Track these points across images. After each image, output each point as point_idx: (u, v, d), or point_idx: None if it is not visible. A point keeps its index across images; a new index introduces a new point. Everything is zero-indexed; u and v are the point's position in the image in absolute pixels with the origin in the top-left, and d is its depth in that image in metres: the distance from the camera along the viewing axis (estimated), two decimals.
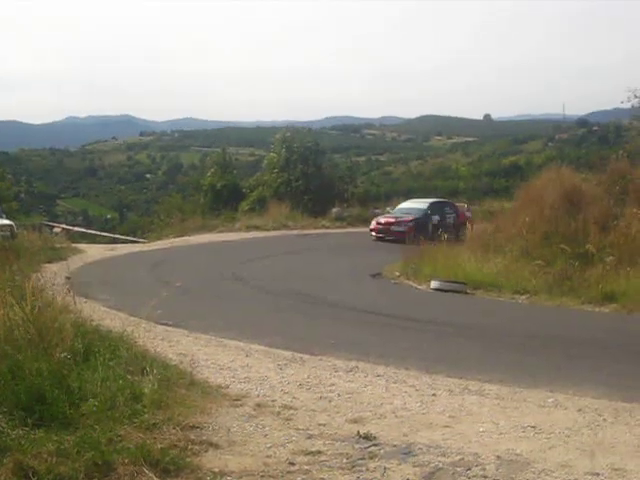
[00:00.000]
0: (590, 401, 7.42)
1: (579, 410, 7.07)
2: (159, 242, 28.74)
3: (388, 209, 30.59)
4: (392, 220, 27.50)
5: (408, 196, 39.35)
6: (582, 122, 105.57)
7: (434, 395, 7.54)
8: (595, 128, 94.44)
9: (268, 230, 31.00)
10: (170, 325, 10.83)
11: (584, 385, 8.00)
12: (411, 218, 27.17)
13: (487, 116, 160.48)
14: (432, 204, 28.75)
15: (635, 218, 16.10)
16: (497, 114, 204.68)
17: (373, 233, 27.51)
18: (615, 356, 9.91)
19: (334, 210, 34.45)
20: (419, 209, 28.22)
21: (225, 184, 38.62)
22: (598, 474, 5.40)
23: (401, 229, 26.38)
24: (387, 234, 26.73)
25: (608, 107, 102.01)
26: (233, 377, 7.98)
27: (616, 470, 5.48)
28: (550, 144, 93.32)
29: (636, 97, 21.58)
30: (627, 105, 21.83)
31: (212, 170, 40.35)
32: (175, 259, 22.01)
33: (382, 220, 27.92)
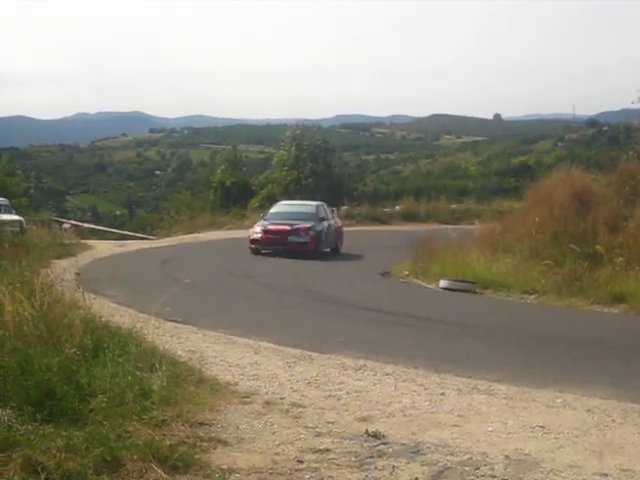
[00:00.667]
0: (599, 402, 7.39)
1: (588, 410, 7.05)
2: (168, 239, 28.87)
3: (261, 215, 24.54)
4: (287, 228, 21.89)
5: (416, 195, 39.30)
6: (592, 122, 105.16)
7: (443, 394, 7.52)
8: (605, 128, 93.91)
9: None
10: (179, 322, 10.83)
11: (592, 385, 7.97)
12: (309, 225, 22.07)
13: (497, 116, 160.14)
14: (319, 207, 23.80)
15: None
16: (506, 114, 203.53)
17: (256, 245, 21.93)
18: (623, 357, 9.88)
19: (343, 208, 34.46)
20: (308, 213, 23.01)
21: (235, 181, 38.77)
22: (606, 475, 5.38)
23: (302, 240, 21.75)
24: (281, 245, 21.64)
25: (617, 108, 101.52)
26: (242, 374, 7.98)
27: (624, 471, 5.46)
28: (560, 144, 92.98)
29: None
30: (637, 106, 21.72)
31: (222, 167, 40.51)
32: (184, 256, 22.06)
33: (271, 228, 22.01)
